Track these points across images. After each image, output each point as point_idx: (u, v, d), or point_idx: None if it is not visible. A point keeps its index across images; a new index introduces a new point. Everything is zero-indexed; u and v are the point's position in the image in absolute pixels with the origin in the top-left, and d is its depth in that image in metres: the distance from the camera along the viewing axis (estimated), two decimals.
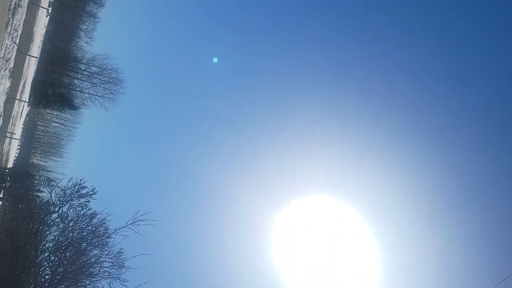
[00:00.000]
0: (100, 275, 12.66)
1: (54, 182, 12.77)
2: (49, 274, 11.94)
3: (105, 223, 12.97)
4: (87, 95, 48.46)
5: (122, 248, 13.03)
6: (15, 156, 44.37)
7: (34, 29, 32.87)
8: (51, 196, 12.75)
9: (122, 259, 12.97)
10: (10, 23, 22.67)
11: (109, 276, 12.63)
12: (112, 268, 12.80)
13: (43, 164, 59.03)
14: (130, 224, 13.80)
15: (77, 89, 48.57)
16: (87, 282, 12.85)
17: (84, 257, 12.28)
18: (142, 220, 13.81)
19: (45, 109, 47.71)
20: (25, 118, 45.21)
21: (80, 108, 49.85)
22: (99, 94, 48.87)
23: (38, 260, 11.69)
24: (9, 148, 37.07)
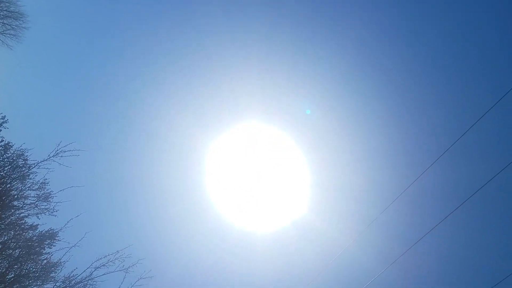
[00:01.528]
0: (26, 209, 12.02)
1: None
2: None
3: (23, 154, 12.06)
4: None
5: (47, 179, 12.35)
6: None
7: None
8: None
9: (48, 190, 12.35)
10: None
11: (36, 208, 12.03)
12: (38, 200, 12.18)
13: None
14: (53, 156, 12.98)
15: None
16: (14, 218, 12.17)
17: (2, 187, 11.43)
18: (65, 152, 13.05)
19: None
20: None
21: None
22: None
23: None
24: None
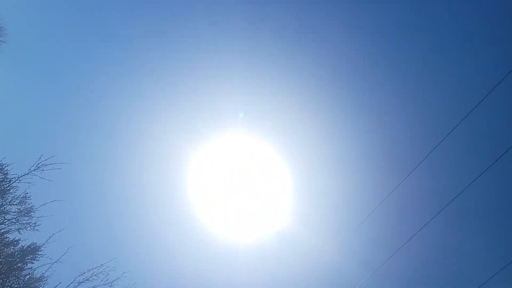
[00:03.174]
0: (7, 224, 11.80)
1: None
2: None
3: (3, 169, 11.88)
4: None
5: (28, 193, 12.17)
6: None
7: None
8: None
9: (30, 204, 12.17)
10: None
11: (17, 223, 11.83)
12: (19, 215, 11.98)
13: None
14: (34, 170, 12.88)
15: None
16: None
17: None
18: (47, 165, 12.96)
19: None
20: None
21: None
22: None
23: None
24: None
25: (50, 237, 12.95)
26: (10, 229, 12.27)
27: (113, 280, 13.20)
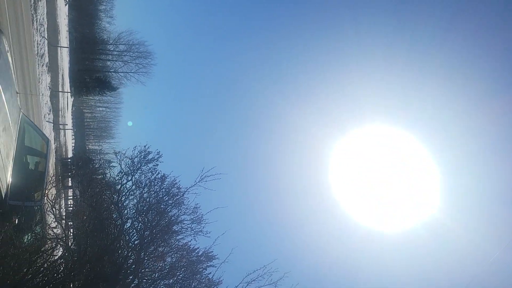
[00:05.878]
0: (184, 232, 13.32)
1: (120, 153, 13.17)
2: (138, 239, 12.65)
3: (176, 184, 13.42)
4: (122, 74, 49.43)
5: (197, 204, 13.53)
6: (72, 146, 46.78)
7: (57, 20, 33.25)
8: (121, 167, 13.26)
9: (200, 214, 13.52)
10: (35, 19, 22.85)
11: (192, 231, 13.25)
12: (192, 223, 13.41)
13: (99, 148, 62.27)
14: (199, 181, 14.12)
15: (111, 70, 49.53)
16: (173, 241, 13.57)
17: (165, 218, 12.87)
18: (208, 176, 14.07)
19: (87, 96, 49.38)
20: (72, 109, 47.13)
21: (119, 88, 51.13)
22: (132, 71, 49.67)
23: (125, 228, 12.40)
24: (65, 139, 39.02)
25: (215, 240, 14.18)
26: (186, 235, 13.80)
27: (277, 280, 13.77)
